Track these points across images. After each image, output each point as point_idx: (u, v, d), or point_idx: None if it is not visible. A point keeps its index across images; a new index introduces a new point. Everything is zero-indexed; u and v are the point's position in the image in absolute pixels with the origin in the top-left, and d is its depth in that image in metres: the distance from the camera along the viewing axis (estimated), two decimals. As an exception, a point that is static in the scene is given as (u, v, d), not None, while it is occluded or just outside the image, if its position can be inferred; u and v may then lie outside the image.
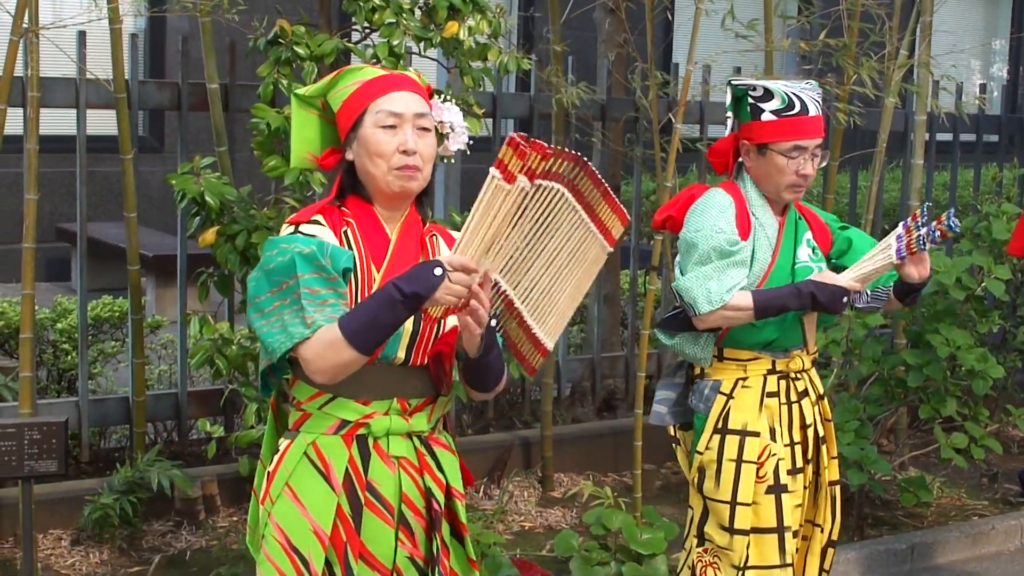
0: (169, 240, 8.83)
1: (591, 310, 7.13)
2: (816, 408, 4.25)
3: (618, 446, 6.67)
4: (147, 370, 5.81)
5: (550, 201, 3.08)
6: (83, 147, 5.53)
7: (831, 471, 4.29)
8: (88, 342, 5.82)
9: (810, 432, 4.21)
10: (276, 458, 3.23)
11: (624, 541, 5.33)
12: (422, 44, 5.03)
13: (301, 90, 3.27)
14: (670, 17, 6.78)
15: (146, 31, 10.91)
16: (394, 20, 4.93)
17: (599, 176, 3.17)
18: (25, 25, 4.98)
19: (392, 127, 3.14)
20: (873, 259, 4.06)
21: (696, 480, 4.23)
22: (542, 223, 3.09)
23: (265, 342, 3.08)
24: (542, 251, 3.12)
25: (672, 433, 4.39)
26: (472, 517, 5.71)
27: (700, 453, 4.18)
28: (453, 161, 3.42)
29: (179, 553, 5.44)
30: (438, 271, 2.91)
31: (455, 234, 3.28)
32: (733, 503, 4.12)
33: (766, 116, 4.06)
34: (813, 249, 4.19)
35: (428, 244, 3.29)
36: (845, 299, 4.01)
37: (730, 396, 4.15)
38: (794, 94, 4.07)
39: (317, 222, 3.16)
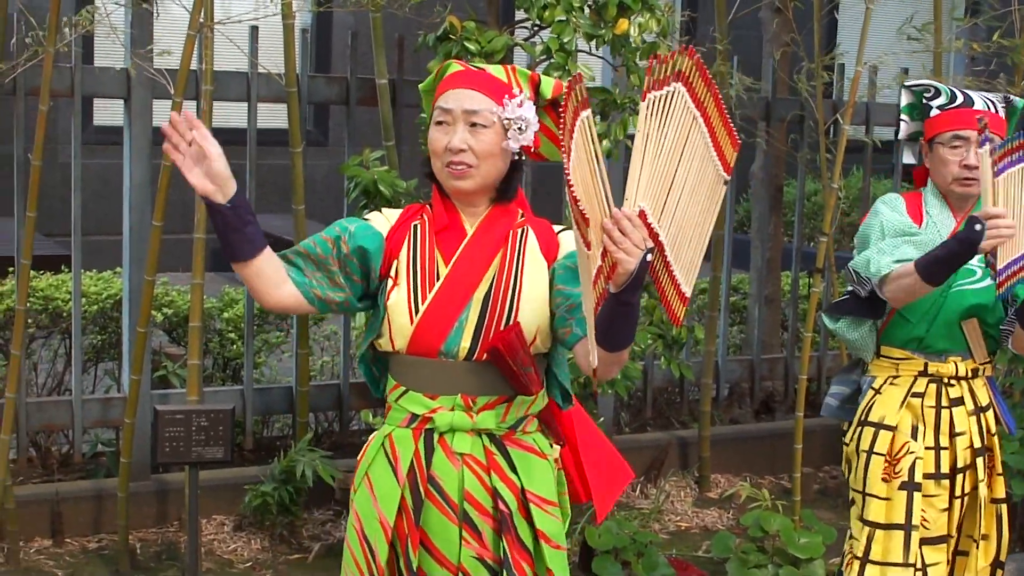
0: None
1: (751, 311, 7.07)
2: (974, 419, 4.19)
3: (776, 448, 6.62)
4: (310, 361, 5.88)
5: (671, 108, 2.76)
6: (253, 140, 5.63)
7: (995, 487, 4.25)
8: (254, 332, 5.92)
9: (960, 441, 4.17)
10: (364, 448, 3.26)
11: (782, 544, 5.28)
12: (593, 42, 5.02)
13: (423, 84, 3.29)
14: (835, 15, 6.71)
15: (312, 26, 11.04)
16: (564, 17, 4.93)
17: (709, 75, 2.84)
18: (201, 20, 5.07)
19: (442, 123, 3.11)
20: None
21: (845, 472, 4.32)
22: (666, 137, 2.78)
23: None
24: (671, 173, 2.79)
25: (844, 429, 4.40)
26: (628, 515, 5.70)
27: (846, 445, 4.29)
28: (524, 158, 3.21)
29: (338, 542, 5.50)
30: None
31: (554, 227, 3.23)
32: (864, 494, 4.19)
33: (933, 112, 4.14)
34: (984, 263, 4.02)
35: (511, 240, 3.15)
36: (978, 226, 3.65)
37: (878, 392, 4.21)
38: (960, 90, 4.12)
39: (382, 212, 3.26)
